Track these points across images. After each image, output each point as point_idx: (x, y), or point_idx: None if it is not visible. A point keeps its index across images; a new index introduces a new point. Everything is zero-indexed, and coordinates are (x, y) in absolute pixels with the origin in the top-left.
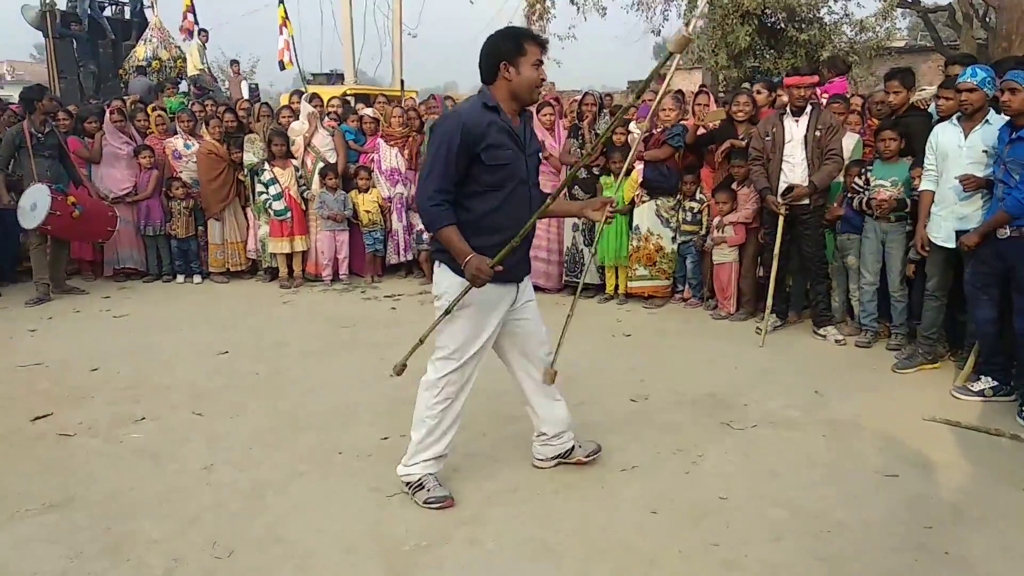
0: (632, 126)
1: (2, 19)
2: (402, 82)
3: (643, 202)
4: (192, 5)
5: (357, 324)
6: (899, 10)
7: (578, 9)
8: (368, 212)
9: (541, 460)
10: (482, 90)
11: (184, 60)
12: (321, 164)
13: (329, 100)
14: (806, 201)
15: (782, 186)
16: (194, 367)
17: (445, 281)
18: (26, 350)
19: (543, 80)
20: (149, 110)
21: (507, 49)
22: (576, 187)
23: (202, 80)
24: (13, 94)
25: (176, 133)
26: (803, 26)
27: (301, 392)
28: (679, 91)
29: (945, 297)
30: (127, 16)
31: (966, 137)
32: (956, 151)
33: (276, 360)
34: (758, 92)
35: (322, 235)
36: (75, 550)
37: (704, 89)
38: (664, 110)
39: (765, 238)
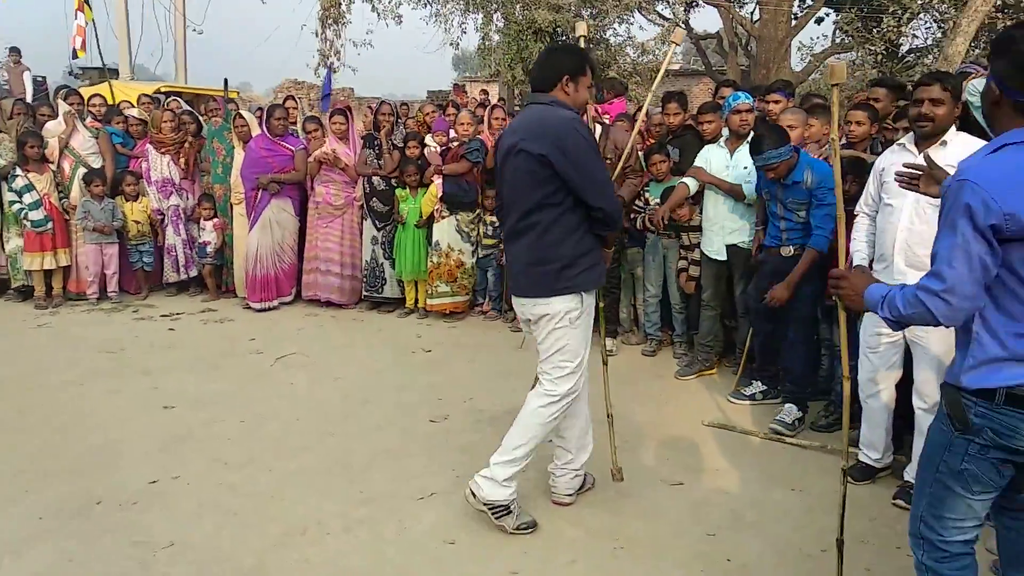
0: (428, 139)
1: None
2: (225, 81)
3: (443, 217)
4: None
5: (127, 348)
6: None
7: (379, 16)
8: (137, 223)
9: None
10: (553, 100)
11: None
12: (82, 169)
13: (90, 98)
14: None
15: None
16: None
17: (572, 303)
18: None
19: (588, 105)
20: None
21: (572, 65)
22: (374, 199)
23: None
24: None
25: None
26: (591, 46)
27: (54, 430)
28: (484, 102)
29: (719, 307)
30: None
31: (731, 156)
32: (725, 171)
33: (24, 394)
34: None
35: (87, 248)
36: None
37: (500, 104)
38: (462, 124)
39: None
